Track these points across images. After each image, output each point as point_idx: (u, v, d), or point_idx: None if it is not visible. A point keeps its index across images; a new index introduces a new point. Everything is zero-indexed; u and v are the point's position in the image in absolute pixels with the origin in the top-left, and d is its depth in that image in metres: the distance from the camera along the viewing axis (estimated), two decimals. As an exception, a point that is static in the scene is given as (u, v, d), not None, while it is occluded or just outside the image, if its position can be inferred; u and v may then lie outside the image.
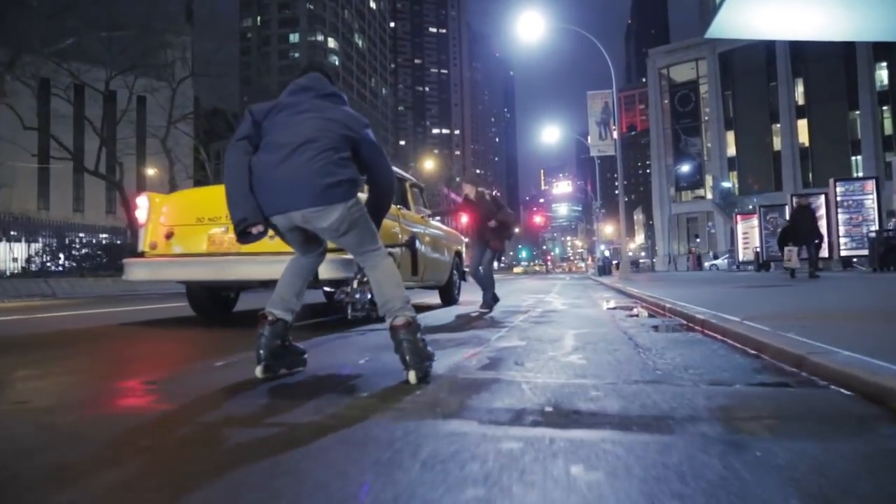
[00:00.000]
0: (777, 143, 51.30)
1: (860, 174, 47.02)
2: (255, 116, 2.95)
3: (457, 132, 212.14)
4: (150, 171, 37.05)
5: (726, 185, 45.41)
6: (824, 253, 18.91)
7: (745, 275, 22.72)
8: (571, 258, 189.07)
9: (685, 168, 52.92)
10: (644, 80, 68.68)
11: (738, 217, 26.70)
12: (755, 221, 24.52)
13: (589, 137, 23.25)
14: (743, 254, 26.00)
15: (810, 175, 49.65)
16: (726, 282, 15.39)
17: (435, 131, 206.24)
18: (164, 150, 26.90)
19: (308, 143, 2.79)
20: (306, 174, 2.75)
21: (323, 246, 3.14)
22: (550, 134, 38.89)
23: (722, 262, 40.90)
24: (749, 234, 25.41)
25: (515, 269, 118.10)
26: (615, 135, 22.17)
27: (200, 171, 39.30)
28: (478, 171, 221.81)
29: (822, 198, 20.37)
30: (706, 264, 42.93)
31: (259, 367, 2.90)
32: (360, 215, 2.90)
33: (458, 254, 9.73)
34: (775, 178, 50.67)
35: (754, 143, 52.40)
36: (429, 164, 66.71)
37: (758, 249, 23.14)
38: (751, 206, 41.53)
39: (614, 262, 42.74)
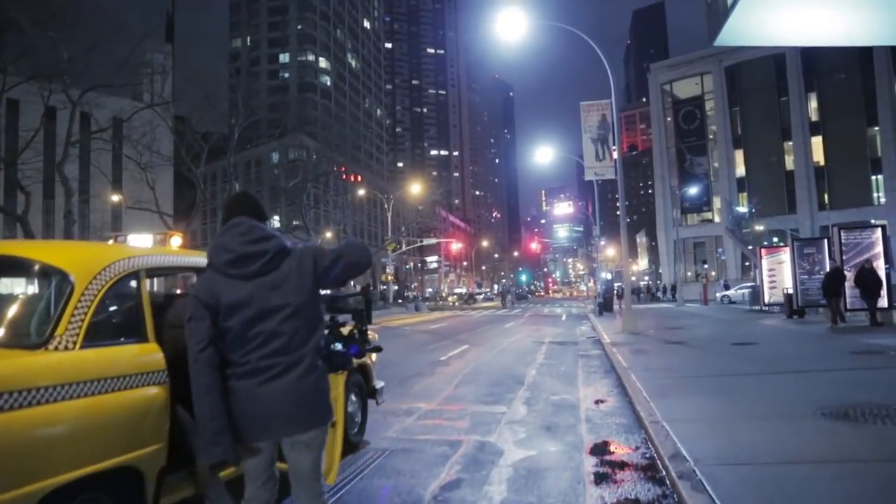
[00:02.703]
0: (790, 162, 47.75)
1: (881, 195, 43.42)
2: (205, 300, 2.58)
3: (455, 154, 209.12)
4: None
5: (740, 209, 41.67)
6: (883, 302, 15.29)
7: (780, 323, 18.86)
8: (574, 282, 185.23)
9: (691, 189, 49.25)
10: (644, 99, 65.47)
11: (763, 251, 22.78)
12: (784, 257, 20.68)
13: (584, 157, 19.46)
14: (770, 294, 22.05)
15: (826, 196, 46.01)
16: (786, 346, 11.56)
17: (433, 153, 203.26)
18: (59, 179, 23.36)
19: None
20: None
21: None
22: (544, 154, 35.49)
23: (735, 293, 36.97)
24: (776, 272, 21.50)
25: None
26: (615, 154, 18.46)
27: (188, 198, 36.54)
28: (477, 193, 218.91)
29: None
30: (717, 295, 39.02)
31: None
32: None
33: (360, 367, 5.96)
34: (788, 200, 47.06)
35: (765, 162, 48.84)
36: (423, 186, 63.39)
37: (789, 291, 19.28)
38: (763, 229, 37.85)
39: (616, 290, 38.87)
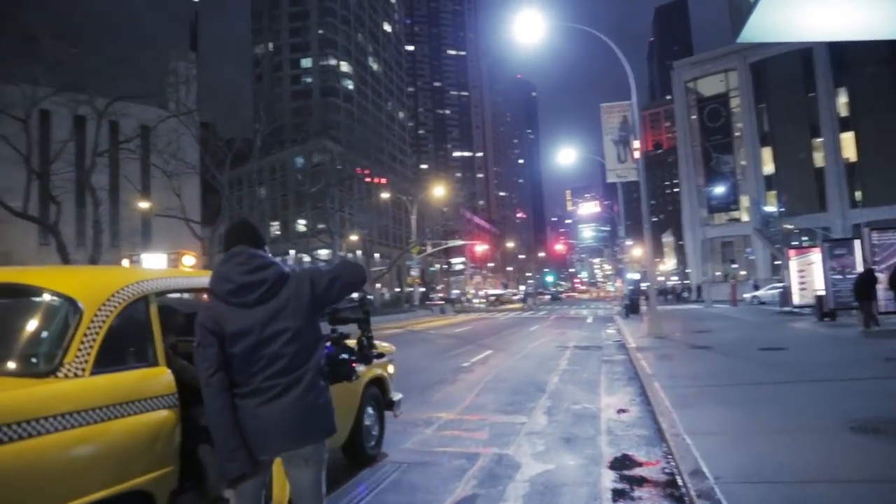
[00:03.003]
0: (819, 159, 46.82)
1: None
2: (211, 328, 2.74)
3: (479, 155, 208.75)
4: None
5: (768, 209, 40.90)
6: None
7: (811, 326, 18.50)
8: (602, 283, 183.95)
9: (718, 188, 48.52)
10: (669, 97, 64.68)
11: (792, 252, 22.32)
12: (814, 258, 20.23)
13: (605, 160, 19.24)
14: (800, 296, 21.57)
15: (858, 194, 45.05)
16: (815, 351, 11.31)
17: (457, 154, 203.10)
18: (87, 188, 23.81)
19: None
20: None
21: None
22: (567, 156, 35.28)
23: (765, 293, 36.34)
24: (806, 273, 21.01)
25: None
26: (636, 155, 18.22)
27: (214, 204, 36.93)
28: (502, 194, 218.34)
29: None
30: (746, 296, 38.38)
31: None
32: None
33: (377, 380, 5.92)
34: (819, 198, 46.12)
35: (794, 159, 47.96)
36: (447, 188, 63.37)
37: (821, 293, 18.82)
38: (792, 228, 37.15)
39: (643, 289, 38.36)
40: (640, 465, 5.33)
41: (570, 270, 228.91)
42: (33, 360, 2.93)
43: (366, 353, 3.56)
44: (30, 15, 19.37)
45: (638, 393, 8.98)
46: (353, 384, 5.21)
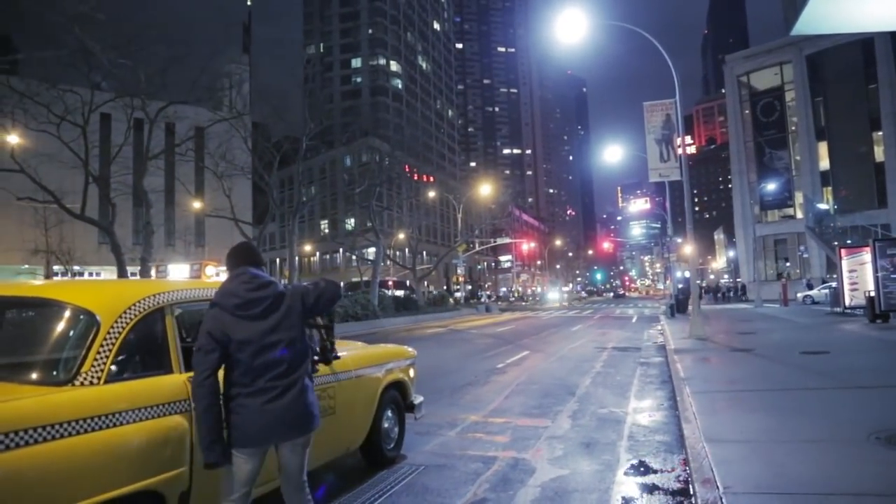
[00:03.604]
0: (879, 154, 45.02)
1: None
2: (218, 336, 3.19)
3: (528, 152, 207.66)
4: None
5: (822, 206, 39.56)
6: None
7: (860, 329, 17.91)
8: (652, 281, 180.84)
9: (771, 185, 47.15)
10: (723, 91, 63.04)
11: (843, 251, 21.61)
12: (866, 257, 19.56)
13: (648, 159, 18.97)
14: (850, 296, 20.91)
15: (921, 189, 43.19)
16: (860, 356, 11.00)
17: (506, 151, 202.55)
18: (139, 193, 24.72)
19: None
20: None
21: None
22: (613, 153, 34.93)
23: (818, 293, 35.23)
24: (858, 273, 20.35)
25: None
26: (679, 152, 17.91)
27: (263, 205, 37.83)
28: (551, 191, 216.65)
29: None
30: (798, 295, 37.25)
31: None
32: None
33: (397, 384, 6.06)
34: (878, 194, 44.37)
35: (852, 154, 46.22)
36: (494, 185, 63.33)
37: (872, 294, 18.21)
38: (848, 226, 35.87)
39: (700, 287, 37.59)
40: (655, 472, 5.34)
41: (620, 268, 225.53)
42: (53, 369, 3.17)
43: (327, 354, 4.29)
44: (86, 24, 20.15)
45: (668, 397, 8.92)
46: (372, 388, 5.41)
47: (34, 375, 3.15)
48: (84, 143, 23.47)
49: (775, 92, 50.80)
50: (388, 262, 56.53)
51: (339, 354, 4.55)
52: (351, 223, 66.89)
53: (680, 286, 34.59)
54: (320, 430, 4.53)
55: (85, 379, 3.06)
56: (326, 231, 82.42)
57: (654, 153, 18.46)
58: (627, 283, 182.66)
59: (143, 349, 3.42)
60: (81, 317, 3.29)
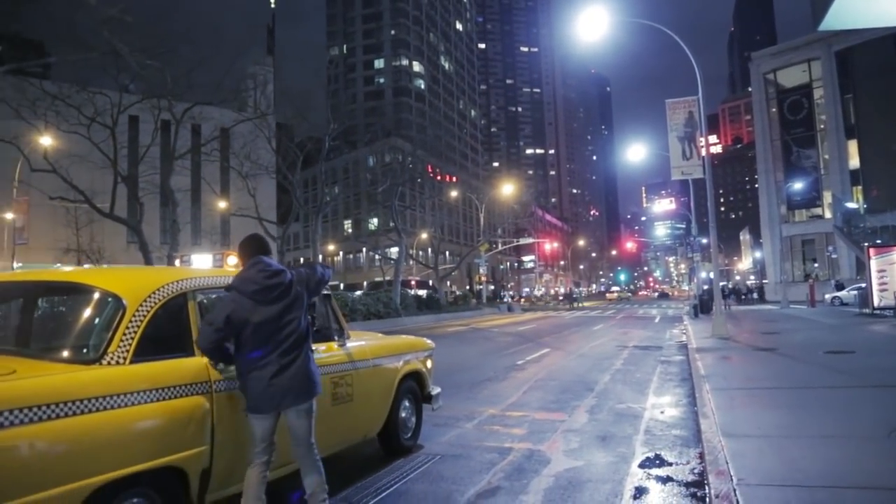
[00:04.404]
0: (911, 152, 44.05)
1: None
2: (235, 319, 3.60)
3: (551, 152, 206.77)
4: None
5: (850, 205, 38.90)
6: None
7: (888, 329, 17.64)
8: (676, 282, 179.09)
9: (798, 184, 46.44)
10: (750, 89, 62.22)
11: (872, 251, 21.26)
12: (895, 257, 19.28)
13: (670, 156, 18.84)
14: (879, 297, 20.58)
15: (955, 188, 42.18)
16: (886, 356, 10.86)
17: (529, 151, 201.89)
18: (166, 192, 25.15)
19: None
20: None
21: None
22: (636, 153, 34.71)
23: (847, 294, 34.64)
24: (887, 273, 20.03)
25: (609, 295, 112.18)
26: (702, 152, 17.78)
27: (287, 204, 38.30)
28: (574, 191, 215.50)
29: None
30: (826, 296, 36.68)
31: None
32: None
33: (414, 374, 6.15)
34: (910, 193, 43.42)
35: (883, 152, 45.28)
36: (516, 185, 63.24)
37: (900, 294, 17.95)
38: (877, 224, 35.22)
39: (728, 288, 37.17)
40: (669, 464, 5.35)
41: (644, 269, 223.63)
42: (83, 349, 3.33)
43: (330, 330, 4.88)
44: (115, 28, 20.53)
45: (687, 394, 8.89)
46: (389, 377, 5.53)
47: (64, 354, 3.31)
48: (113, 144, 23.99)
49: (803, 89, 50.04)
50: (411, 262, 56.74)
51: (347, 332, 4.99)
52: (374, 223, 67.22)
53: (705, 287, 34.27)
54: (338, 416, 4.76)
55: (111, 359, 3.21)
56: (350, 231, 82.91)
57: (676, 151, 18.34)
58: (651, 284, 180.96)
59: (166, 332, 3.56)
60: (108, 300, 3.45)
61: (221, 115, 31.01)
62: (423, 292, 46.68)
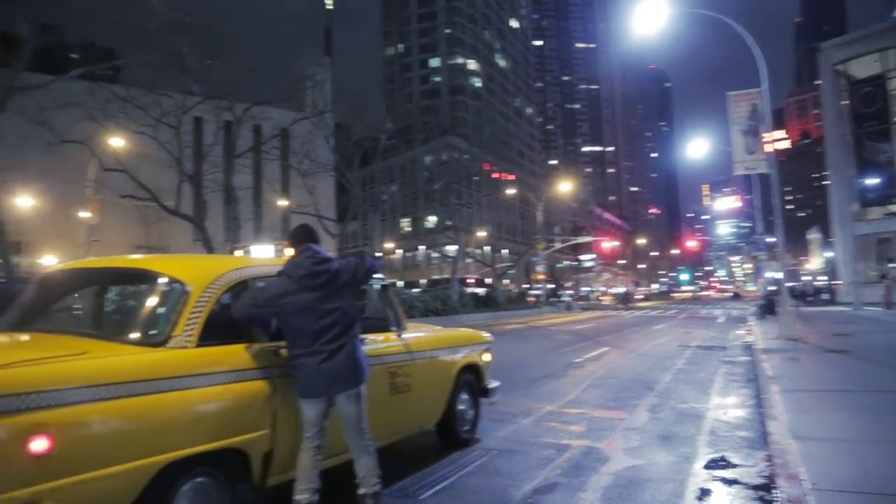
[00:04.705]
0: None
1: None
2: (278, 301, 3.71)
3: (609, 149, 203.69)
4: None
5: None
6: None
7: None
8: (741, 282, 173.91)
9: (872, 180, 44.36)
10: (818, 82, 59.84)
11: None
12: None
13: (732, 151, 18.24)
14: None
15: None
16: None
17: (586, 149, 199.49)
18: (228, 190, 25.92)
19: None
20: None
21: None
22: (697, 148, 33.71)
23: (926, 295, 32.86)
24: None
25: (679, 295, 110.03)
26: (766, 148, 17.13)
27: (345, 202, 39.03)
28: (633, 189, 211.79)
29: None
30: (903, 298, 34.87)
31: None
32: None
33: (471, 367, 6.13)
34: None
35: (964, 145, 42.92)
36: (574, 183, 62.61)
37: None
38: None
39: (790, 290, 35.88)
40: (735, 466, 5.15)
41: (707, 269, 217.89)
42: (150, 332, 3.44)
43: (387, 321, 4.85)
44: (179, 31, 21.26)
45: (753, 395, 8.58)
46: (447, 369, 5.57)
47: (132, 337, 3.42)
48: (177, 144, 24.94)
49: (876, 80, 47.72)
50: (469, 260, 56.79)
51: (404, 323, 5.09)
52: (431, 221, 67.53)
53: (771, 287, 33.15)
54: (396, 406, 4.80)
55: (177, 342, 3.30)
56: (408, 229, 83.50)
57: (739, 145, 17.74)
58: (714, 284, 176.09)
59: (228, 318, 3.64)
60: (174, 286, 3.56)
61: (280, 115, 31.74)
62: (480, 290, 46.63)
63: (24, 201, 33.63)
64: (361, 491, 3.86)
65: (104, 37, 27.05)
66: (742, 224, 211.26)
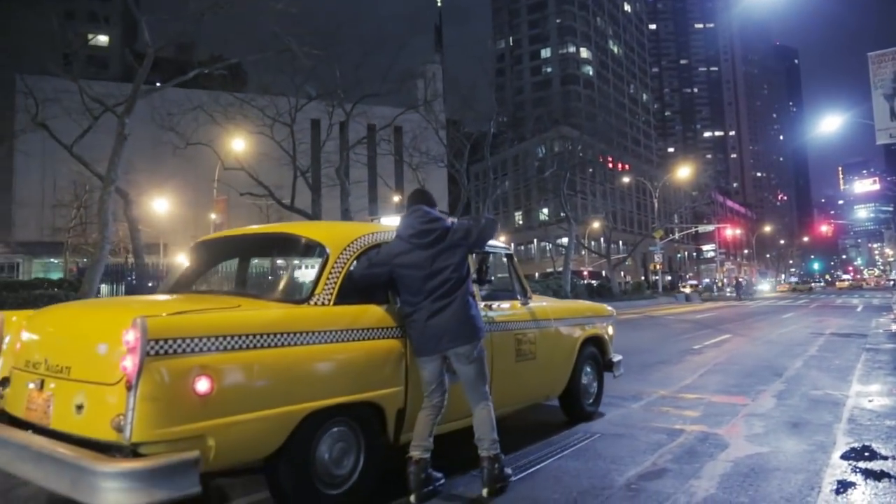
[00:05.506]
0: None
1: None
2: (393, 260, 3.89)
3: (731, 133, 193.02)
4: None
5: None
6: None
7: None
8: (884, 270, 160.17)
9: None
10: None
11: None
12: None
13: (875, 118, 16.49)
14: None
15: None
16: None
17: (707, 134, 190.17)
18: (338, 180, 26.61)
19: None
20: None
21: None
22: (831, 123, 31.11)
23: None
24: None
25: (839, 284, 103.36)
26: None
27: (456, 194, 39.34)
28: (758, 175, 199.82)
29: None
30: None
31: (413, 495, 3.65)
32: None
33: (595, 339, 6.10)
34: None
35: None
36: (692, 169, 59.75)
37: None
38: None
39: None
40: (883, 458, 4.51)
41: (843, 257, 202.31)
42: (293, 290, 3.82)
43: (482, 276, 4.58)
44: (284, 25, 22.04)
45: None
46: (570, 340, 5.64)
47: (278, 294, 3.79)
48: (292, 141, 26.09)
49: None
50: (583, 252, 55.57)
51: (530, 293, 5.24)
52: (545, 213, 66.73)
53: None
54: (522, 373, 4.94)
55: (318, 300, 3.59)
56: (521, 222, 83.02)
57: (882, 111, 16.04)
58: (851, 273, 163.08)
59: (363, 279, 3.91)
60: (314, 248, 3.91)
61: (393, 113, 32.44)
62: (594, 282, 45.44)
63: (161, 205, 36.15)
64: (482, 454, 3.84)
65: (233, 52, 28.73)
66: (882, 208, 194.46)
